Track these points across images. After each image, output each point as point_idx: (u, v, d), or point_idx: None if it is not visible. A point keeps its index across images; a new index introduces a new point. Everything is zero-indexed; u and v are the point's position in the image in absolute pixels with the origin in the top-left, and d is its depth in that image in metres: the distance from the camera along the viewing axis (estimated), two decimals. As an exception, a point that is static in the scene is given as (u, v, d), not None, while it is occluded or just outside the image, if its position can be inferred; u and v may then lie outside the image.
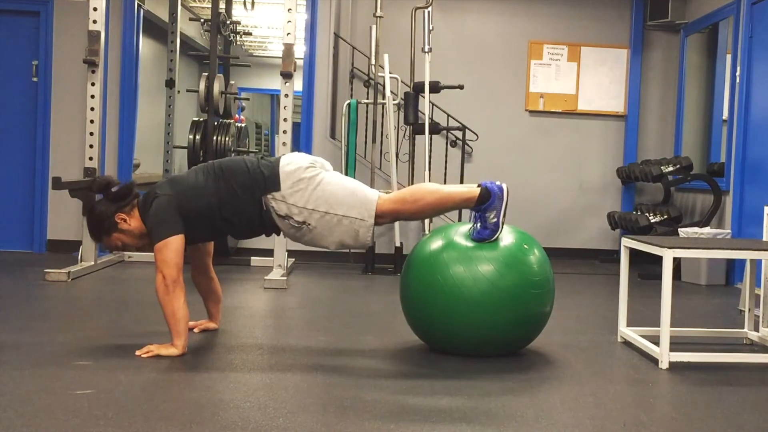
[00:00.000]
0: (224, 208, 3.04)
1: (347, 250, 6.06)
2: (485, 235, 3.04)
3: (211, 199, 3.03)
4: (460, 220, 6.03)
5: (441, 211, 3.26)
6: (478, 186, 3.07)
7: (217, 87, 6.04)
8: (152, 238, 2.99)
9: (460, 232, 3.15)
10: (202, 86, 6.08)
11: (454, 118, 6.49)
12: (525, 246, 3.10)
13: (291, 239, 3.16)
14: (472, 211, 3.10)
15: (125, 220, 3.08)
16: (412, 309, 3.19)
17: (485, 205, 3.03)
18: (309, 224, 3.01)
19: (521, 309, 3.03)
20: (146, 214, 3.03)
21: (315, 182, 3.02)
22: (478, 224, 3.07)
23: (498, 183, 3.07)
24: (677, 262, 5.47)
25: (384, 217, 3.06)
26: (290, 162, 3.07)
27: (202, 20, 7.16)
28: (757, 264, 3.68)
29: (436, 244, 3.14)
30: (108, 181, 3.14)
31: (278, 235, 3.21)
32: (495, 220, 3.03)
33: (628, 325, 3.52)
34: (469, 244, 3.06)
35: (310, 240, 3.08)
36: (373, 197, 3.04)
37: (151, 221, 2.99)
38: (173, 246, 2.94)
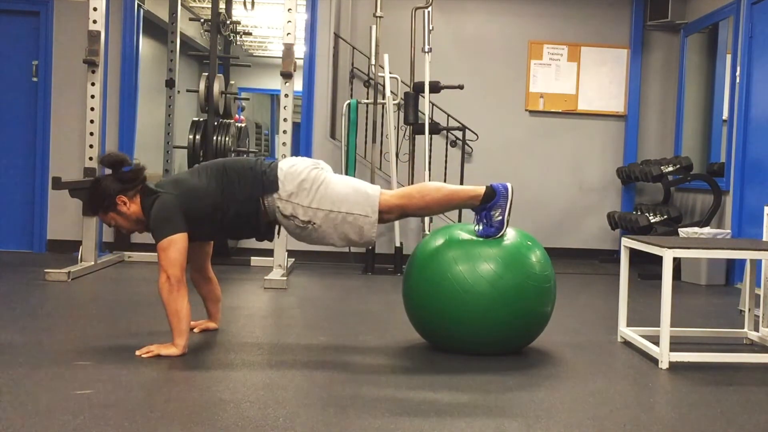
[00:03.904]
0: (226, 208, 3.05)
1: (348, 249, 6.06)
2: (491, 233, 3.09)
3: (214, 200, 3.04)
4: (460, 220, 6.03)
5: (447, 208, 3.29)
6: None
7: (217, 87, 6.04)
8: (155, 237, 2.99)
9: (463, 231, 3.17)
10: (202, 86, 6.08)
11: (454, 118, 6.49)
12: (528, 243, 3.13)
13: (296, 239, 3.18)
14: (476, 211, 3.13)
15: (125, 203, 3.09)
16: (416, 307, 3.20)
17: (490, 203, 3.09)
18: (314, 223, 3.03)
19: (522, 307, 3.05)
20: (148, 208, 3.05)
21: (318, 182, 3.05)
22: (482, 224, 3.12)
23: (503, 183, 3.13)
24: (677, 262, 5.47)
25: (391, 213, 3.11)
26: (294, 164, 3.11)
27: (202, 20, 7.16)
28: (757, 264, 3.68)
29: (440, 242, 3.16)
30: (122, 158, 3.14)
31: (270, 240, 3.24)
32: (500, 218, 3.08)
33: (628, 325, 3.52)
34: (472, 242, 3.08)
35: (316, 238, 3.11)
36: (375, 193, 3.08)
37: (154, 219, 3.00)
38: (177, 245, 2.95)
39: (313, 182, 3.04)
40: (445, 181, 6.23)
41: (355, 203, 3.04)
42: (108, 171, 3.16)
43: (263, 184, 3.04)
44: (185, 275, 2.98)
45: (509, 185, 3.12)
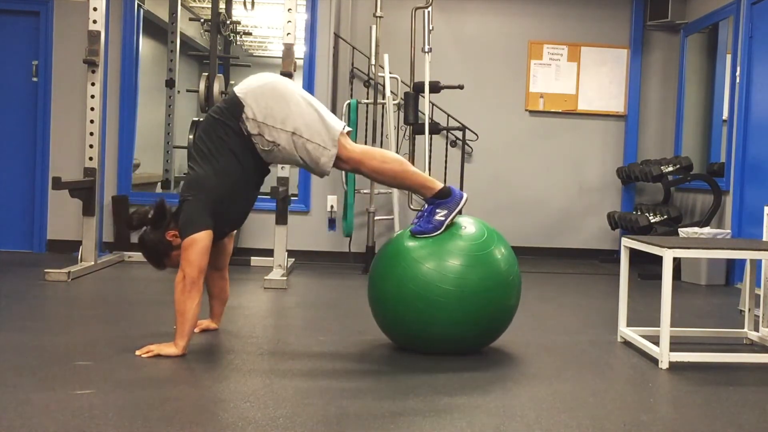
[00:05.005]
0: (235, 163, 3.04)
1: (348, 249, 6.06)
2: (427, 229, 3.09)
3: (216, 171, 3.02)
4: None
5: (399, 185, 3.29)
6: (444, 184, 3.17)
7: (217, 87, 6.04)
8: (180, 237, 3.01)
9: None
10: (202, 86, 6.08)
11: (454, 118, 6.49)
12: (489, 235, 3.12)
13: (266, 160, 3.14)
14: (425, 201, 3.15)
15: (176, 236, 3.09)
16: (381, 304, 3.19)
17: (441, 200, 3.10)
18: (278, 144, 3.03)
19: (488, 303, 3.04)
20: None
21: (283, 101, 3.04)
22: (422, 218, 3.12)
23: (461, 191, 3.16)
24: (677, 262, 5.47)
25: (347, 163, 3.11)
26: (257, 79, 3.10)
27: (202, 20, 7.16)
28: (757, 264, 3.68)
29: (400, 245, 3.15)
30: (144, 212, 3.13)
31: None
32: (442, 219, 3.09)
33: (628, 325, 3.52)
34: (432, 241, 3.06)
35: (281, 159, 3.12)
36: (337, 127, 3.08)
37: (181, 223, 3.02)
38: (199, 245, 2.95)
39: (278, 101, 3.03)
40: (444, 181, 6.23)
41: (317, 132, 3.03)
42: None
43: (231, 112, 3.03)
44: (202, 277, 2.98)
45: (465, 195, 3.15)
